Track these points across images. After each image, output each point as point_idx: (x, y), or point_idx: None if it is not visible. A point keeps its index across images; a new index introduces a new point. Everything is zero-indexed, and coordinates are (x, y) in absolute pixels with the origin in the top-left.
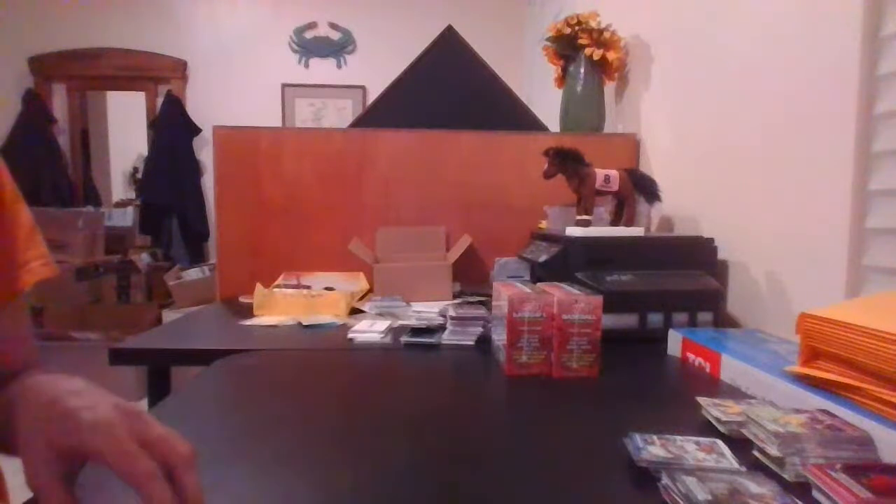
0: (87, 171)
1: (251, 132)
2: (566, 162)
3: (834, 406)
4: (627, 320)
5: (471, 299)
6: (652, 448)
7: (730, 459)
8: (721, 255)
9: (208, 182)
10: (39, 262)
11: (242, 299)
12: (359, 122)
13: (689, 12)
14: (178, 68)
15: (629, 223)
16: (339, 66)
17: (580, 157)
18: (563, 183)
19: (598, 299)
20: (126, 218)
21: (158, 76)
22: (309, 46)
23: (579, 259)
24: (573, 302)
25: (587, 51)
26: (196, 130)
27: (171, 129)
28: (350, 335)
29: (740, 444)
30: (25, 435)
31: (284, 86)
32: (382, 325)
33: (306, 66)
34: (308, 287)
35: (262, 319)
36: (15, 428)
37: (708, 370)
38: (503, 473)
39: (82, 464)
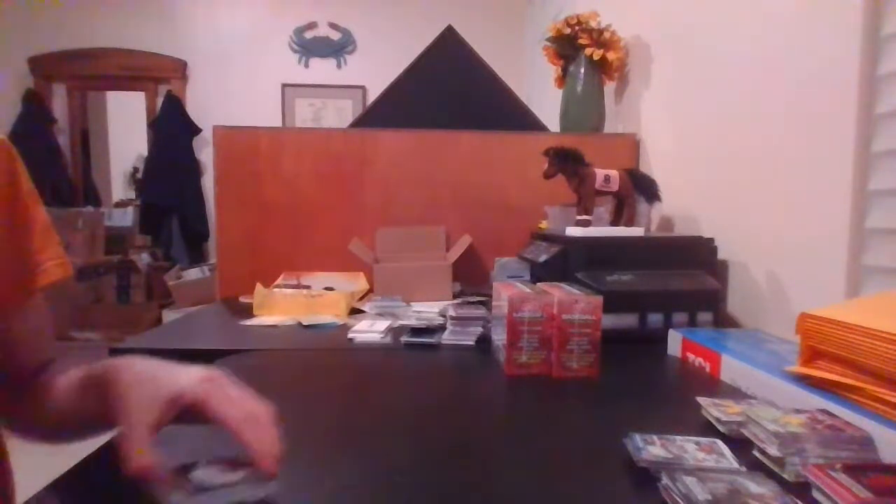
0: (87, 171)
1: (251, 132)
2: (566, 162)
3: (834, 406)
4: (627, 320)
5: (471, 299)
6: (652, 448)
7: (730, 459)
8: (721, 255)
9: (208, 182)
10: (54, 263)
11: (242, 299)
12: (359, 122)
13: (689, 12)
14: (178, 68)
15: (629, 223)
16: (339, 66)
17: (580, 157)
18: (563, 183)
19: (598, 299)
20: (126, 218)
21: (158, 76)
22: (309, 46)
23: (579, 259)
24: (573, 302)
25: (587, 51)
26: (196, 130)
27: (171, 129)
28: (350, 335)
29: (740, 444)
30: (129, 391)
31: (284, 86)
32: (382, 325)
33: (306, 66)
34: (308, 287)
35: (262, 319)
36: (115, 393)
37: (708, 370)
38: (503, 473)
39: (174, 416)
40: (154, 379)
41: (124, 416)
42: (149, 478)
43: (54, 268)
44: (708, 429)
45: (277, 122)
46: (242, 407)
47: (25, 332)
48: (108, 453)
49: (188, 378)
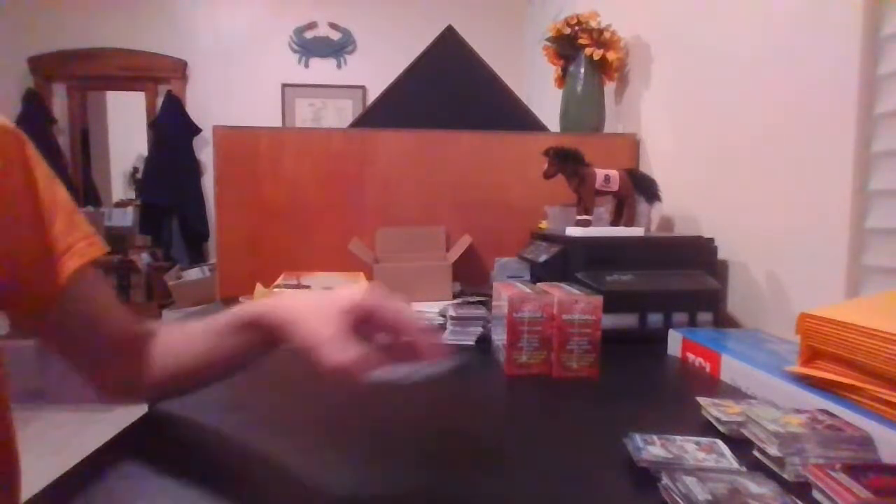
0: (87, 171)
1: (251, 132)
2: (566, 162)
3: (834, 406)
4: (627, 320)
5: (471, 299)
6: (652, 448)
7: (730, 459)
8: (721, 255)
9: (208, 182)
10: (85, 243)
11: (242, 299)
12: (359, 122)
13: (690, 12)
14: (178, 68)
15: (629, 223)
16: (339, 66)
17: (580, 157)
18: (563, 183)
19: (598, 299)
20: (126, 218)
21: (158, 76)
22: (309, 46)
23: (579, 259)
24: (573, 302)
25: (587, 51)
26: (196, 130)
27: (171, 129)
28: None
29: (740, 444)
30: (302, 315)
31: (284, 86)
32: None
33: (306, 66)
34: (308, 287)
35: None
36: (283, 321)
37: (708, 370)
38: (503, 473)
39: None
40: (322, 299)
41: (306, 334)
42: (352, 371)
43: (85, 248)
44: (708, 429)
45: (277, 122)
46: (406, 311)
47: (89, 310)
48: (108, 453)
49: (355, 292)
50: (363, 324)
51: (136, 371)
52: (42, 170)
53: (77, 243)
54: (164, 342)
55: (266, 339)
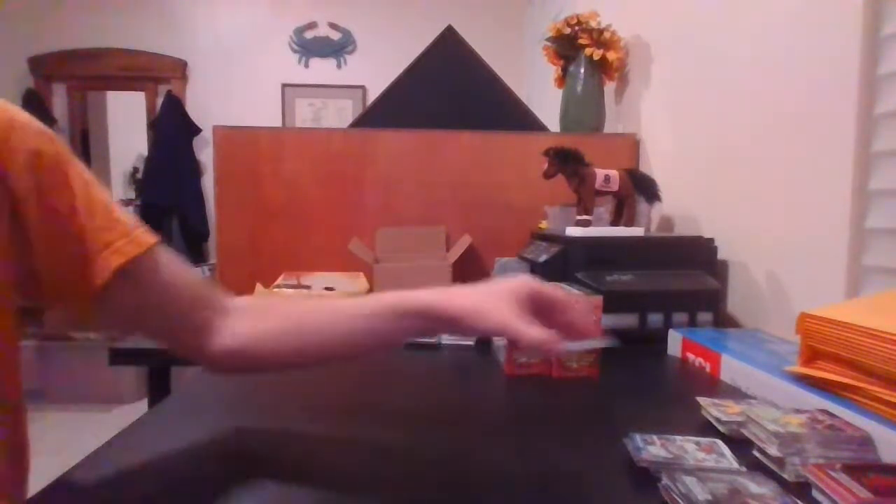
0: None
1: (251, 132)
2: (566, 162)
3: (834, 406)
4: (627, 320)
5: None
6: (652, 448)
7: (730, 459)
8: (721, 255)
9: (208, 182)
10: (124, 241)
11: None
12: (359, 122)
13: (690, 12)
14: (178, 68)
15: (629, 223)
16: (339, 66)
17: (580, 157)
18: (563, 183)
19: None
20: None
21: (158, 76)
22: (309, 46)
23: (579, 259)
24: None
25: (587, 51)
26: (196, 130)
27: (171, 129)
28: None
29: (740, 444)
30: (473, 306)
31: (284, 86)
32: None
33: (306, 66)
34: (308, 287)
35: None
36: (450, 313)
37: (708, 370)
38: (503, 473)
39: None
40: (493, 290)
41: (499, 321)
42: (549, 346)
43: (125, 246)
44: (708, 429)
45: (277, 122)
46: (567, 295)
47: (138, 302)
48: (108, 453)
49: (515, 279)
50: (531, 306)
51: (224, 342)
52: (76, 169)
53: (117, 241)
54: (283, 315)
55: (430, 327)
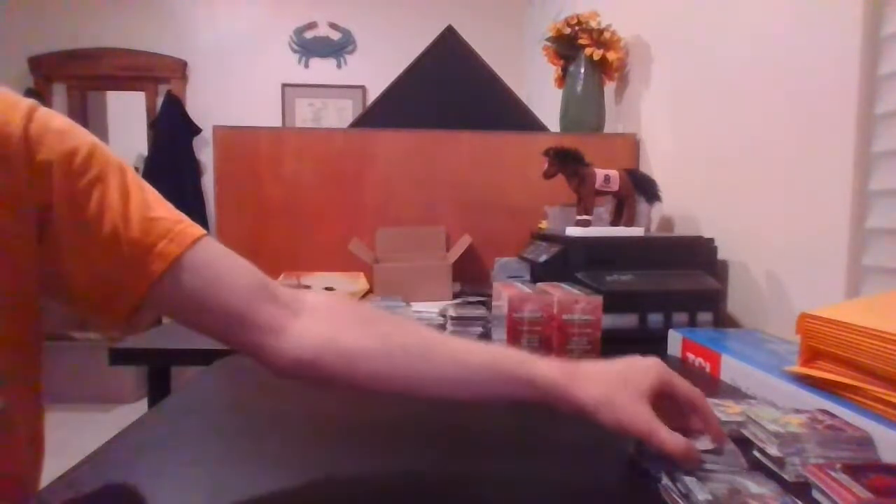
0: None
1: (251, 132)
2: (566, 162)
3: (834, 406)
4: (627, 320)
5: (471, 299)
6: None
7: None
8: (721, 255)
9: (208, 182)
10: (165, 241)
11: None
12: (359, 122)
13: (689, 12)
14: (178, 68)
15: (629, 223)
16: (339, 66)
17: (580, 157)
18: (563, 183)
19: (598, 299)
20: None
21: (158, 76)
22: (309, 46)
23: (579, 259)
24: (573, 302)
25: (587, 51)
26: (196, 130)
27: (171, 129)
28: None
29: (740, 444)
30: (609, 397)
31: (284, 86)
32: None
33: (306, 66)
34: (308, 287)
35: None
36: (585, 399)
37: (708, 370)
38: (503, 473)
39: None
40: (621, 375)
41: (630, 419)
42: (692, 459)
43: (167, 247)
44: None
45: (277, 122)
46: (698, 393)
47: (207, 290)
48: (108, 453)
49: (650, 366)
50: (658, 398)
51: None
52: (115, 166)
53: (158, 243)
54: (382, 334)
55: (550, 404)
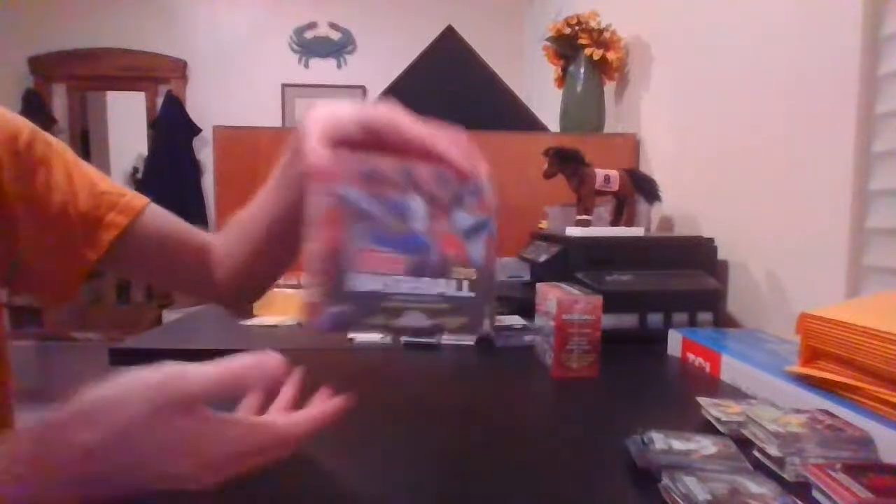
0: None
1: (251, 132)
2: (566, 162)
3: (834, 406)
4: (627, 320)
5: None
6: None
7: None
8: (721, 255)
9: (208, 182)
10: (113, 213)
11: None
12: None
13: (689, 12)
14: (178, 68)
15: (629, 223)
16: (339, 66)
17: (580, 157)
18: (563, 183)
19: (597, 299)
20: None
21: (158, 76)
22: (309, 46)
23: (579, 259)
24: (573, 302)
25: (587, 51)
26: (196, 130)
27: (171, 129)
28: (350, 335)
29: (740, 444)
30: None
31: (284, 86)
32: None
33: (306, 66)
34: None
35: (263, 319)
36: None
37: (708, 370)
38: (503, 473)
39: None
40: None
41: (305, 133)
42: (322, 177)
43: (115, 217)
44: (708, 429)
45: (277, 122)
46: (430, 126)
47: (160, 251)
48: None
49: (373, 106)
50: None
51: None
52: (57, 147)
53: (106, 215)
54: (241, 228)
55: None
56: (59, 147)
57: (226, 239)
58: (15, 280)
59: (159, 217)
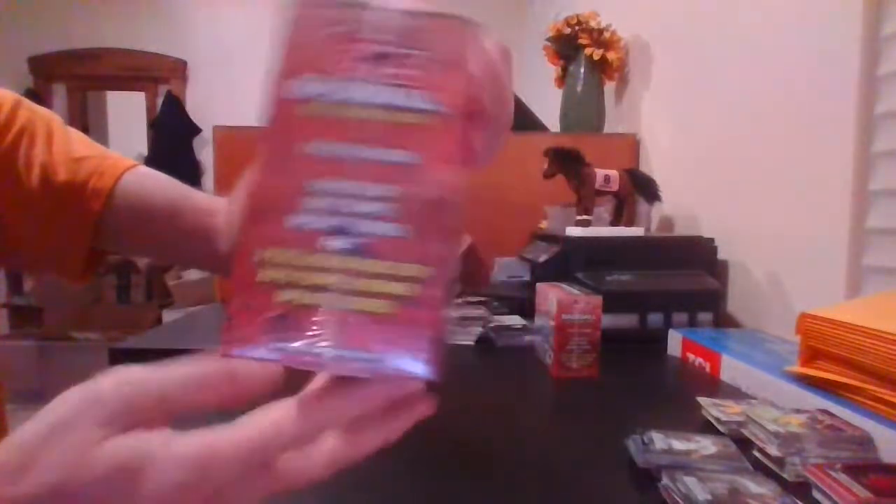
0: None
1: (251, 132)
2: (566, 162)
3: (834, 406)
4: (627, 320)
5: (471, 299)
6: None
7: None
8: (721, 255)
9: (208, 182)
10: (95, 177)
11: None
12: None
13: (690, 12)
14: (178, 68)
15: (629, 223)
16: None
17: (580, 157)
18: (563, 183)
19: (597, 299)
20: None
21: (158, 76)
22: None
23: (579, 259)
24: (573, 302)
25: (587, 51)
26: (196, 130)
27: (171, 129)
28: None
29: (740, 444)
30: None
31: None
32: None
33: None
34: None
35: None
36: None
37: (708, 370)
38: (503, 473)
39: None
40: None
41: None
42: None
43: (97, 182)
44: (708, 429)
45: None
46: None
47: (151, 213)
48: None
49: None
50: None
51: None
52: (43, 118)
53: (88, 182)
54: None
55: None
56: (45, 117)
57: (232, 204)
58: (24, 262)
59: (151, 178)
